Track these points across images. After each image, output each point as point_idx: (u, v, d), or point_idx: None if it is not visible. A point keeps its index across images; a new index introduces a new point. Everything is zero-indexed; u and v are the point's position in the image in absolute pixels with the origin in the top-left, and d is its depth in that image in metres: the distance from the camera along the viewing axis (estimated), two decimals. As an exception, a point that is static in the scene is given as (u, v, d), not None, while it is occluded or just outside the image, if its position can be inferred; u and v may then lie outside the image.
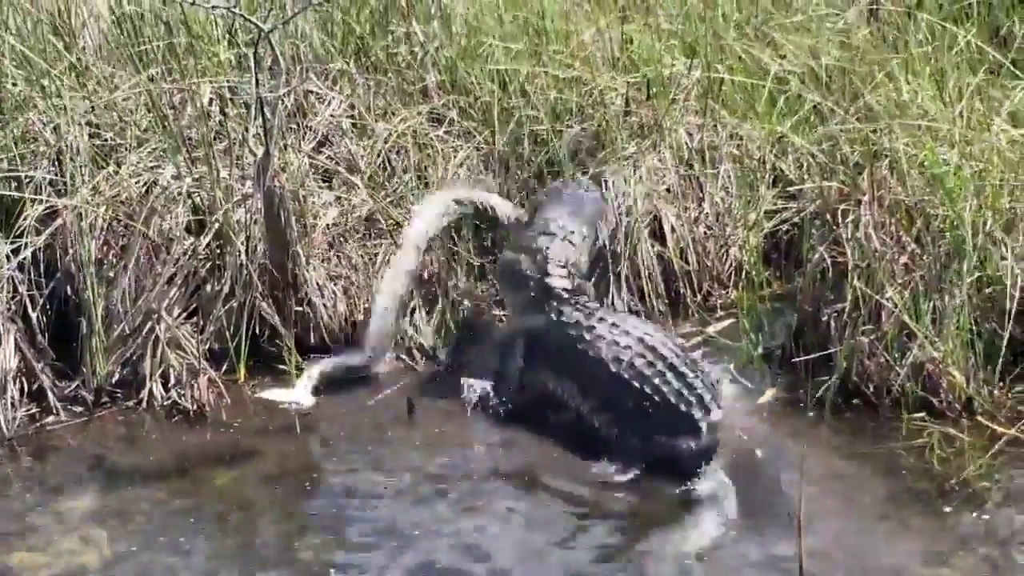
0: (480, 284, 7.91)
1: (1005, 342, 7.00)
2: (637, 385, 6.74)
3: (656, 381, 6.71)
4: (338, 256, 7.85)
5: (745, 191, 8.20)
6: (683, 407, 6.67)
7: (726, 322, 7.92)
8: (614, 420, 6.82)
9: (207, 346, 7.49)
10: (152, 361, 7.35)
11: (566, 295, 7.14)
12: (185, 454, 7.02)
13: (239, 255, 7.54)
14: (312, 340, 7.66)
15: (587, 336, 6.91)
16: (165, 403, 7.34)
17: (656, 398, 6.71)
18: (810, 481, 6.05)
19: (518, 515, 6.47)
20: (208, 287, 7.59)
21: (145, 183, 7.68)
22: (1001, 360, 7.01)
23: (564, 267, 7.25)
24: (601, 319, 6.95)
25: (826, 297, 7.40)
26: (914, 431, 6.93)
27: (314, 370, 7.41)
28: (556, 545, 6.26)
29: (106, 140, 7.82)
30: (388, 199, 8.07)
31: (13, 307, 7.38)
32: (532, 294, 7.19)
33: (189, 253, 7.58)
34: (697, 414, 6.66)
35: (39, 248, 7.50)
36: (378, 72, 8.57)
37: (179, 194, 7.63)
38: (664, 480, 6.64)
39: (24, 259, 7.45)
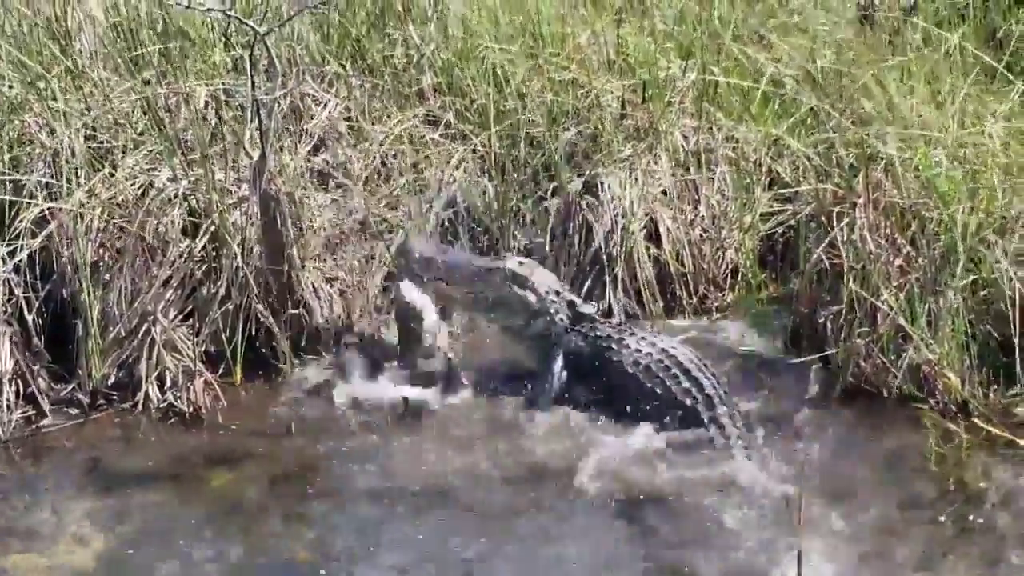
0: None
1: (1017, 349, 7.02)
2: (649, 385, 7.01)
3: (668, 382, 6.98)
4: (334, 258, 7.85)
5: (741, 194, 8.20)
6: (689, 402, 6.89)
7: (722, 324, 7.93)
8: (634, 416, 7.02)
9: (203, 348, 7.48)
10: (148, 363, 7.34)
11: (597, 317, 7.44)
12: (181, 456, 7.01)
13: (235, 258, 7.53)
14: (307, 342, 7.66)
15: (615, 346, 7.21)
16: (161, 405, 7.32)
17: (665, 395, 6.96)
18: (808, 481, 6.06)
19: (517, 514, 6.47)
20: (204, 289, 7.58)
21: (141, 186, 7.67)
22: (1012, 367, 7.07)
23: (577, 295, 7.58)
24: (632, 334, 7.25)
25: (822, 299, 7.41)
26: (910, 432, 6.94)
27: None
28: (554, 545, 6.26)
29: (102, 143, 7.81)
30: (384, 202, 8.08)
31: (9, 309, 7.36)
32: (567, 324, 7.41)
33: (185, 256, 7.57)
34: (701, 408, 6.85)
35: (35, 250, 7.48)
36: (374, 75, 8.57)
37: (175, 197, 7.62)
38: (663, 480, 6.66)
39: (20, 261, 7.43)
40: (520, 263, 7.57)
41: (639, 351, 7.11)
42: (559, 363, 7.32)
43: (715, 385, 6.94)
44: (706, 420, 6.83)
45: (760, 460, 6.64)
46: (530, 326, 7.47)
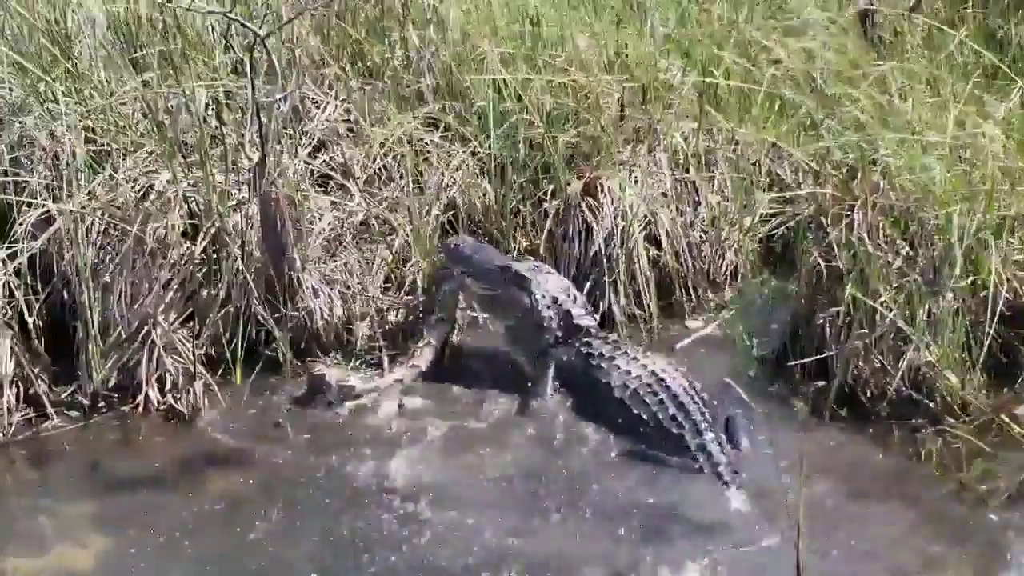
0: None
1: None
2: (636, 411, 6.96)
3: (655, 409, 6.92)
4: (334, 260, 7.85)
5: (740, 195, 8.21)
6: (674, 430, 6.85)
7: (722, 325, 7.93)
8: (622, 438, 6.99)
9: (203, 351, 7.49)
10: (148, 366, 7.34)
11: (593, 330, 7.40)
12: (181, 458, 7.01)
13: (235, 260, 7.54)
14: (308, 344, 7.66)
15: (605, 366, 7.16)
16: (161, 408, 7.33)
17: (651, 422, 6.91)
18: (807, 483, 6.05)
19: (513, 515, 6.48)
20: (204, 292, 7.59)
21: (141, 188, 7.68)
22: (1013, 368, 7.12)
23: (582, 306, 7.52)
24: (624, 353, 7.20)
25: (821, 301, 7.40)
26: (910, 434, 6.94)
27: None
28: (554, 546, 6.27)
29: (102, 145, 7.82)
30: (384, 204, 8.08)
31: (9, 312, 7.37)
32: (559, 333, 7.40)
33: (185, 258, 7.58)
34: (688, 436, 6.80)
35: (36, 253, 7.49)
36: (374, 77, 8.57)
37: (175, 199, 7.62)
38: (663, 483, 6.67)
39: (20, 264, 7.44)
40: (533, 266, 7.56)
41: (628, 373, 7.06)
42: (550, 374, 7.31)
43: (702, 411, 6.89)
44: (693, 448, 6.79)
45: (750, 486, 6.63)
46: (520, 330, 7.47)
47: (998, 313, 7.05)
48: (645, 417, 6.93)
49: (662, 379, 7.01)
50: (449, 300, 7.68)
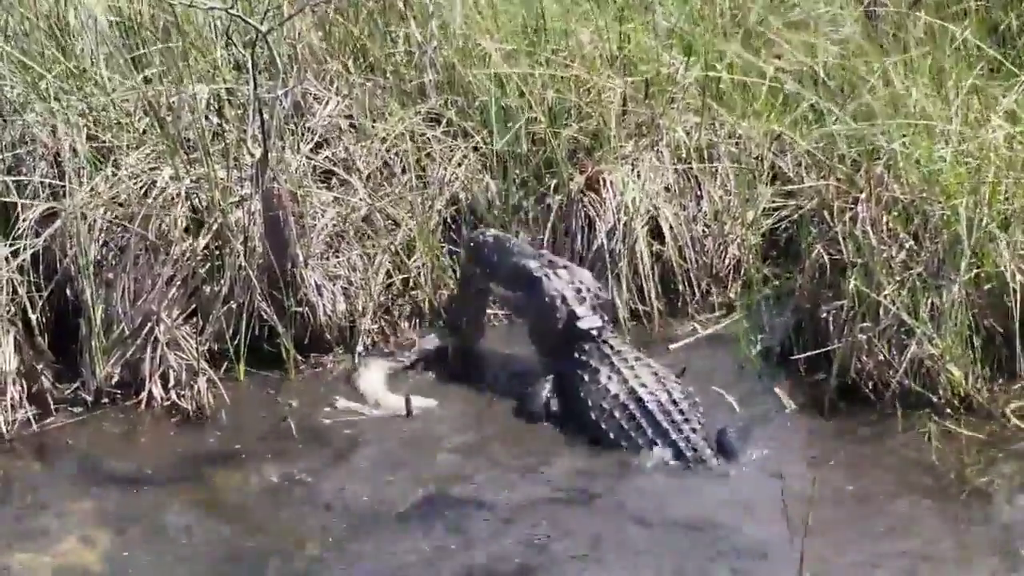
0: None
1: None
2: (612, 436, 6.89)
3: (632, 434, 6.85)
4: (337, 256, 7.85)
5: (743, 189, 8.20)
6: (664, 452, 6.78)
7: (725, 320, 7.93)
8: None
9: (206, 347, 7.49)
10: (151, 362, 7.34)
11: (595, 333, 7.25)
12: (184, 455, 7.02)
13: (238, 256, 7.54)
14: (311, 340, 7.67)
15: (587, 378, 7.08)
16: (165, 404, 7.33)
17: (631, 448, 6.84)
18: (809, 478, 6.06)
19: (517, 516, 6.48)
20: (207, 288, 7.59)
21: (143, 185, 7.68)
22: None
23: (589, 304, 7.36)
24: (611, 365, 7.08)
25: (824, 294, 7.40)
26: (913, 428, 6.94)
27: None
28: (557, 546, 6.26)
29: (104, 142, 7.83)
30: (387, 199, 8.09)
31: (13, 309, 7.37)
32: (562, 338, 7.29)
33: (188, 254, 7.58)
34: (675, 454, 6.77)
35: (39, 250, 7.50)
36: (376, 73, 8.57)
37: (177, 195, 7.63)
38: (664, 482, 6.67)
39: (24, 261, 7.45)
40: (547, 262, 7.48)
41: (607, 392, 6.96)
42: (545, 380, 7.26)
43: (680, 428, 6.81)
44: (681, 463, 6.76)
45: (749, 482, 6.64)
46: (535, 326, 7.43)
47: (1002, 306, 7.05)
48: (625, 444, 6.83)
49: (640, 398, 6.90)
50: (477, 300, 7.69)
